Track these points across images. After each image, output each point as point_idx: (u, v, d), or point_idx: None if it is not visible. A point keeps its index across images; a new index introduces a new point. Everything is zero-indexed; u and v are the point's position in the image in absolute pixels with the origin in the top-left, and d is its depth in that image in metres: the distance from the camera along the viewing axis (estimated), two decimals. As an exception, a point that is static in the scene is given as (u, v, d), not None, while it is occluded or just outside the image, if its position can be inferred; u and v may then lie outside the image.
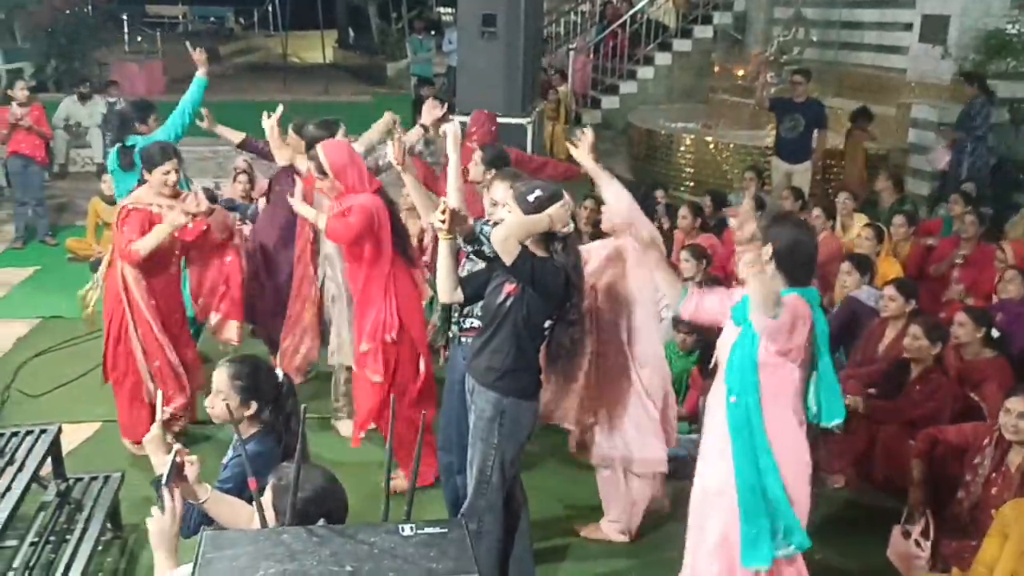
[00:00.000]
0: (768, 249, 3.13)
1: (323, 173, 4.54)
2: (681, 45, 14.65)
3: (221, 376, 3.04)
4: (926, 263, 6.90)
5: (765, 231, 3.17)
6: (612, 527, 4.46)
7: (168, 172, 4.81)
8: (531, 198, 3.42)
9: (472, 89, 7.45)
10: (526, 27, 7.45)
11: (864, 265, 5.98)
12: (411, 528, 2.07)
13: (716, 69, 14.19)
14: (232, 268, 5.26)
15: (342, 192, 4.54)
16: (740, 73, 13.17)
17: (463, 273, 3.95)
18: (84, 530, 3.90)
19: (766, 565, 3.18)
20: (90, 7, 17.16)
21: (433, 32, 16.95)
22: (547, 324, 3.52)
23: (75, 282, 6.20)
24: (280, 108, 5.59)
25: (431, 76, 14.95)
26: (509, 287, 3.47)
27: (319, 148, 4.58)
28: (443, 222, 3.51)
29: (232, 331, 5.32)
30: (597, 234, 4.90)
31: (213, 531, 2.13)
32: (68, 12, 15.55)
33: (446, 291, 3.68)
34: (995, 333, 5.06)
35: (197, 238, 4.99)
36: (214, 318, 5.32)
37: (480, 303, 3.74)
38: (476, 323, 3.89)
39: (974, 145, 9.04)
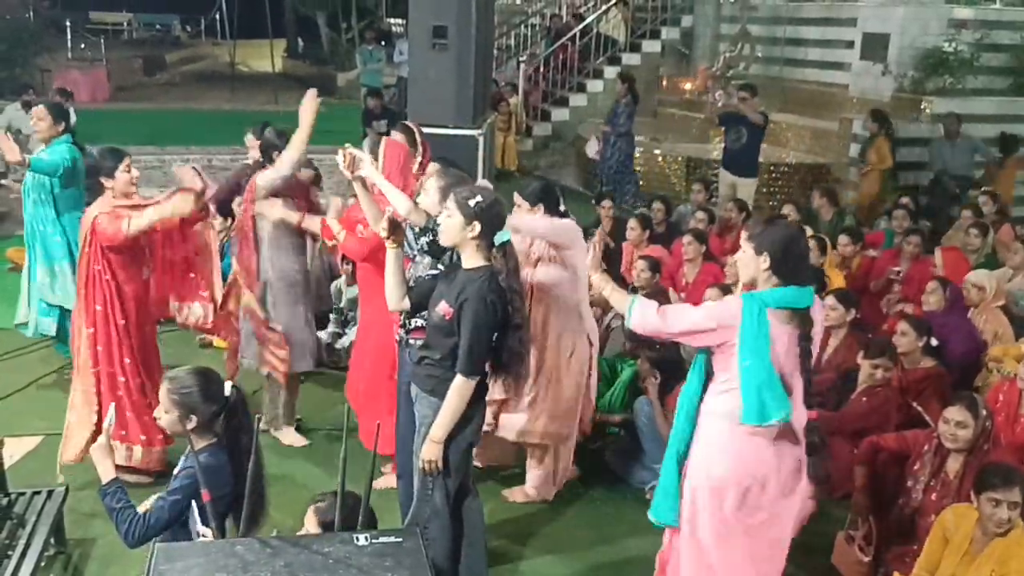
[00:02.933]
0: (765, 260, 3.20)
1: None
2: (630, 59, 14.81)
3: (162, 390, 3.02)
4: (870, 275, 7.07)
5: (757, 242, 3.24)
6: (534, 491, 4.85)
7: (128, 169, 4.65)
8: (472, 203, 3.47)
9: (423, 100, 7.43)
10: (477, 39, 7.47)
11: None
12: (366, 537, 2.07)
13: (664, 83, 14.40)
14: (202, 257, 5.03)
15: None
16: (687, 87, 13.38)
17: (412, 273, 4.01)
18: (27, 546, 3.81)
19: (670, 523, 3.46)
20: (31, 13, 16.85)
21: (383, 43, 16.93)
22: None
23: (15, 292, 6.09)
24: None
25: (380, 86, 14.92)
26: (446, 308, 3.51)
27: (385, 141, 4.63)
28: (387, 232, 3.56)
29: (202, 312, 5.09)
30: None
31: (164, 543, 2.12)
32: (8, 17, 15.26)
33: (394, 299, 3.72)
34: (934, 342, 5.21)
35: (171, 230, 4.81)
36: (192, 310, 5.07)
37: None
38: (421, 323, 3.91)
39: (616, 139, 10.65)
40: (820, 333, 3.36)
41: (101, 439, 2.93)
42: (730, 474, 3.29)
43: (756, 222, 3.51)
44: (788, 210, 7.73)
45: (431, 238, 4.01)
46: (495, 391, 4.22)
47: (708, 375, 3.36)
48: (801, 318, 3.19)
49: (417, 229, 4.13)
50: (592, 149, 10.98)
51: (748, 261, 3.27)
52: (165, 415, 2.98)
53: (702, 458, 3.36)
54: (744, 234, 3.35)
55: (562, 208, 4.60)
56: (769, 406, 3.15)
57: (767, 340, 3.13)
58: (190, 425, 2.98)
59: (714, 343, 3.26)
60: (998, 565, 3.50)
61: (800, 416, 3.26)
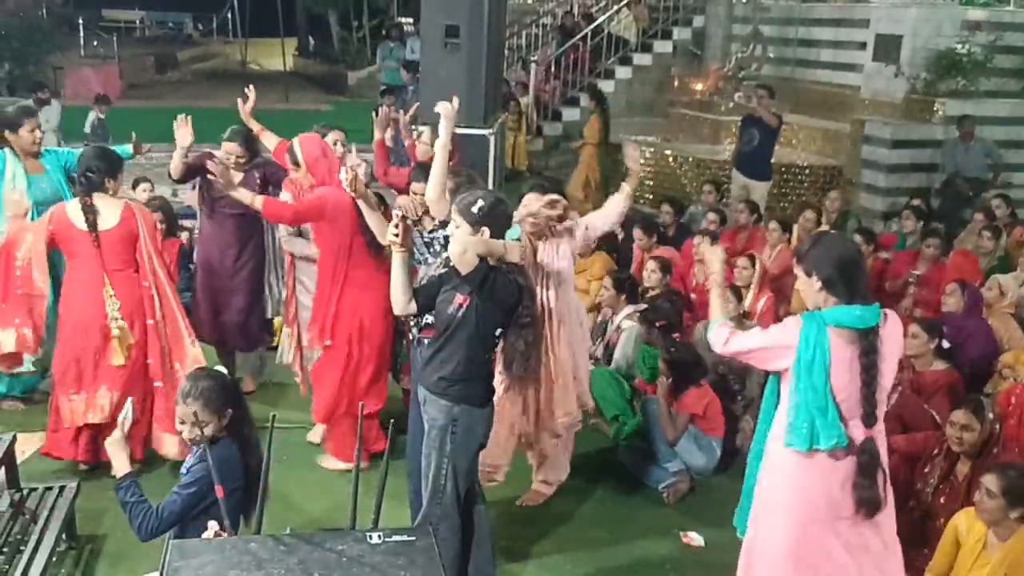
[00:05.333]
0: (816, 281, 3.08)
1: (296, 164, 4.85)
2: (641, 59, 14.78)
3: (182, 407, 2.97)
4: (883, 277, 7.05)
5: (805, 264, 3.13)
6: (546, 487, 4.80)
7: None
8: (475, 209, 3.48)
9: (435, 99, 7.36)
10: (489, 39, 7.46)
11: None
12: (379, 536, 2.08)
13: (675, 84, 14.37)
14: None
15: (313, 184, 4.80)
16: (699, 88, 13.35)
17: (424, 273, 4.02)
18: (39, 541, 3.82)
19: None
20: (44, 11, 16.92)
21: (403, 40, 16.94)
22: (498, 332, 3.57)
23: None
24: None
25: (400, 83, 14.97)
26: (460, 297, 3.50)
27: (295, 140, 4.87)
28: (397, 235, 3.54)
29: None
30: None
31: (179, 540, 2.12)
32: (21, 15, 15.32)
33: (400, 303, 3.67)
34: (946, 345, 5.18)
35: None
36: None
37: None
38: (432, 319, 3.91)
39: None
40: (899, 351, 3.20)
41: (116, 433, 2.94)
42: (781, 495, 3.19)
43: (805, 242, 3.37)
44: (810, 215, 7.61)
45: (447, 235, 4.00)
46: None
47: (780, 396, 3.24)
48: (868, 339, 3.02)
49: (429, 228, 4.13)
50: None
51: (803, 286, 3.16)
52: (190, 425, 2.94)
53: (761, 477, 3.29)
54: (794, 259, 3.25)
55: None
56: (820, 432, 3.01)
57: (824, 362, 2.99)
58: (224, 422, 3.00)
59: (774, 366, 3.17)
60: (1010, 569, 3.49)
61: (858, 437, 3.11)
